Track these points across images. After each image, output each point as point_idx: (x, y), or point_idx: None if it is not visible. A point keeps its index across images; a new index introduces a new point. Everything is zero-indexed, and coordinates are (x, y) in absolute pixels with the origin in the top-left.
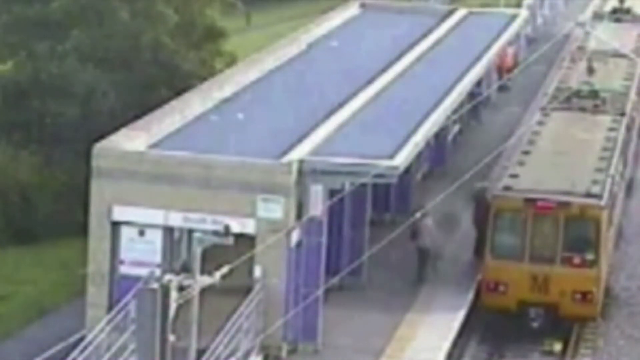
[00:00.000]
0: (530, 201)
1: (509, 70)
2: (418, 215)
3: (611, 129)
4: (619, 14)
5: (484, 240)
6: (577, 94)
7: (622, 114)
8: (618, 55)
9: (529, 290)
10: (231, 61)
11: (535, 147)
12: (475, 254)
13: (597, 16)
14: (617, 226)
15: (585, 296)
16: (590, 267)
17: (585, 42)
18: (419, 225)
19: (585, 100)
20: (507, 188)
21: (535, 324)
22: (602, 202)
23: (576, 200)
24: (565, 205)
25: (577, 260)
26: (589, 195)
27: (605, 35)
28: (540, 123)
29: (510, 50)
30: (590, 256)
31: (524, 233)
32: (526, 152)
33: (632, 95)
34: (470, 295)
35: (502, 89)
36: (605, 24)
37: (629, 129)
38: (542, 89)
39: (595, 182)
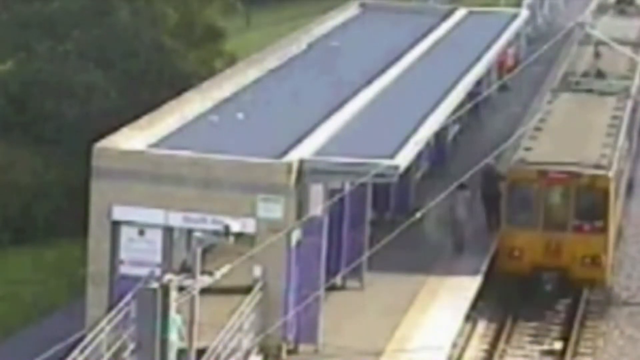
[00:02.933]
0: (543, 173)
1: (510, 70)
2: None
3: (617, 109)
4: (623, 5)
5: (493, 213)
6: (585, 76)
7: (627, 96)
8: (624, 42)
9: (542, 256)
10: (231, 61)
11: (547, 125)
12: (487, 226)
13: (602, 8)
14: (623, 199)
15: (594, 261)
16: (599, 234)
17: (592, 30)
18: (456, 197)
19: (593, 83)
20: (521, 161)
21: (548, 288)
22: (610, 174)
23: (586, 171)
24: (576, 176)
25: (586, 227)
26: (597, 167)
27: (609, 27)
28: (550, 103)
29: (510, 50)
30: (599, 224)
31: (538, 202)
32: (538, 129)
33: (637, 79)
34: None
35: (502, 88)
36: (609, 16)
37: (634, 109)
38: (550, 74)
39: (603, 155)
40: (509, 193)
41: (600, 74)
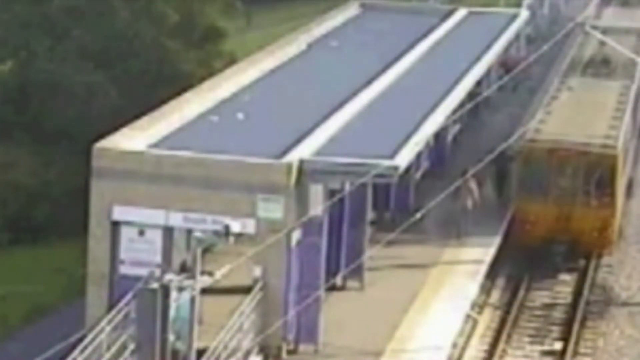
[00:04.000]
0: (553, 150)
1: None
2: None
3: (622, 93)
4: None
5: (504, 189)
6: (591, 62)
7: (631, 80)
8: (628, 31)
9: (553, 227)
10: (231, 61)
11: (556, 107)
12: (498, 202)
13: (605, 1)
14: (628, 175)
15: (601, 231)
16: (606, 206)
17: (598, 19)
18: (462, 186)
19: (599, 68)
20: (533, 139)
21: (558, 257)
22: (616, 151)
23: (594, 148)
24: (585, 153)
25: (594, 200)
26: (604, 144)
27: (614, 17)
28: (559, 88)
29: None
30: (606, 197)
31: (549, 177)
32: (548, 112)
33: None
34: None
35: (514, 89)
36: (613, 7)
37: (638, 92)
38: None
39: (610, 133)
40: (521, 169)
41: (605, 61)
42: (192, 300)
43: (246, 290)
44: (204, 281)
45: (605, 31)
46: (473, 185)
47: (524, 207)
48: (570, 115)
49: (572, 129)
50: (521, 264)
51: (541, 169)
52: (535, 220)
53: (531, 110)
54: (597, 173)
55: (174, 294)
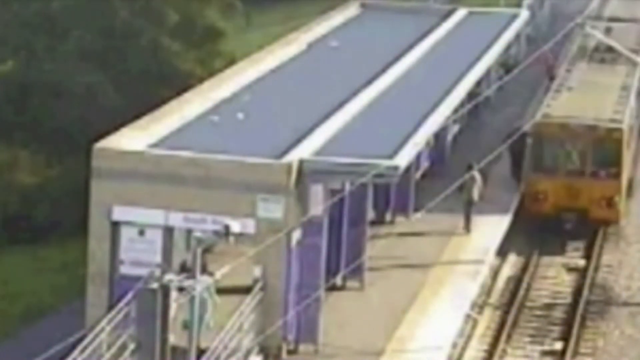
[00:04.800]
0: (564, 126)
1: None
2: (419, 215)
3: (627, 76)
4: None
5: (518, 164)
6: (598, 49)
7: (635, 65)
8: (633, 20)
9: (563, 199)
10: (230, 61)
11: (566, 88)
12: (512, 176)
13: None
14: (633, 150)
15: (609, 202)
16: (614, 179)
17: (603, 9)
18: (466, 179)
19: (604, 54)
20: (545, 116)
21: (568, 226)
22: (623, 127)
23: (602, 125)
24: (593, 129)
25: (602, 173)
26: (612, 121)
27: (618, 7)
28: (568, 71)
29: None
30: (613, 170)
31: (560, 152)
32: (558, 92)
33: None
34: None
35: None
36: None
37: None
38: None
39: (616, 112)
40: (534, 145)
41: (611, 47)
42: (192, 300)
43: (245, 290)
44: (204, 281)
45: (611, 20)
46: (478, 178)
47: (536, 181)
48: (579, 97)
49: (581, 108)
50: (533, 235)
51: (552, 145)
52: (547, 193)
53: (541, 93)
54: (604, 148)
55: (188, 294)
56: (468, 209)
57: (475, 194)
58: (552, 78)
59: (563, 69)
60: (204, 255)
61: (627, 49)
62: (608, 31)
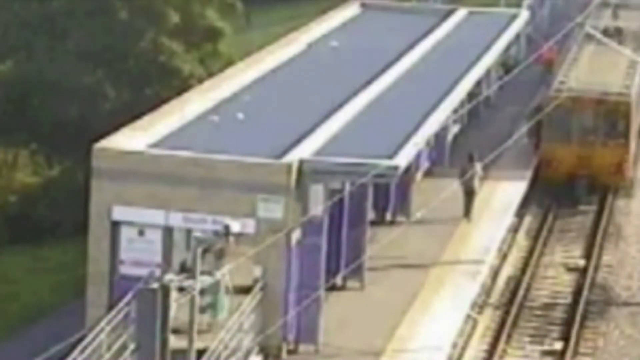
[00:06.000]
0: (576, 98)
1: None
2: (419, 215)
3: (633, 55)
4: None
5: (535, 135)
6: (606, 31)
7: None
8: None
9: (575, 165)
10: (230, 61)
11: (576, 66)
12: (531, 146)
13: None
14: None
15: (617, 167)
16: (621, 147)
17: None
18: (467, 169)
19: (612, 36)
20: (558, 90)
21: (580, 191)
22: (630, 99)
23: (611, 97)
24: (603, 101)
25: (611, 142)
26: (620, 94)
27: None
28: (578, 51)
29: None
30: (621, 139)
31: (572, 123)
32: (569, 69)
33: None
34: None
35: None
36: None
37: None
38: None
39: (624, 86)
40: (549, 116)
41: (617, 30)
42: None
43: (245, 290)
44: (204, 281)
45: (617, 6)
46: (478, 168)
47: (552, 148)
48: (589, 73)
49: (592, 82)
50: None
51: (565, 116)
52: (561, 159)
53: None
54: (613, 118)
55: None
56: (469, 199)
57: (476, 184)
58: (551, 72)
59: (575, 47)
60: (220, 254)
61: (632, 31)
62: (615, 15)
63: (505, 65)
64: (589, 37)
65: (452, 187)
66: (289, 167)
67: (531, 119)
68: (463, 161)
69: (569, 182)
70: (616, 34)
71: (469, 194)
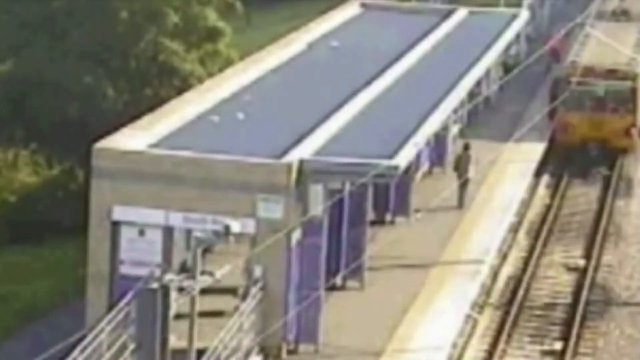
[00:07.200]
0: (589, 69)
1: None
2: (419, 215)
3: (639, 32)
4: None
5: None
6: (614, 12)
7: None
8: None
9: (588, 131)
10: (230, 61)
11: (588, 42)
12: (548, 114)
13: None
14: None
15: (626, 133)
16: (630, 113)
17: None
18: (461, 157)
19: (619, 16)
20: (572, 62)
21: (593, 153)
22: (637, 71)
23: (620, 68)
24: (613, 71)
25: (621, 109)
26: (628, 65)
27: None
28: (589, 30)
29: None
30: (630, 106)
31: (585, 91)
32: (582, 45)
33: None
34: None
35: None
36: None
37: None
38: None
39: (632, 59)
40: (564, 85)
41: (625, 12)
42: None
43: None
44: (204, 281)
45: None
46: (473, 156)
47: (567, 116)
48: (601, 48)
49: (602, 57)
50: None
51: (579, 86)
52: (575, 125)
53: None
54: (622, 87)
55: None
56: (462, 186)
57: (471, 172)
58: (557, 60)
59: (586, 27)
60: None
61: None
62: None
63: (505, 65)
64: (599, 17)
65: (452, 187)
66: (289, 167)
67: (550, 89)
68: (458, 150)
69: (582, 145)
70: (623, 14)
71: (463, 184)
